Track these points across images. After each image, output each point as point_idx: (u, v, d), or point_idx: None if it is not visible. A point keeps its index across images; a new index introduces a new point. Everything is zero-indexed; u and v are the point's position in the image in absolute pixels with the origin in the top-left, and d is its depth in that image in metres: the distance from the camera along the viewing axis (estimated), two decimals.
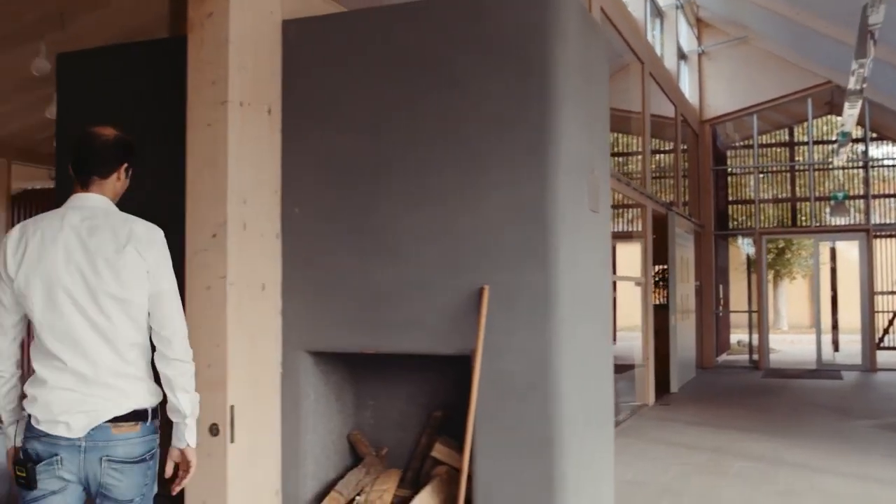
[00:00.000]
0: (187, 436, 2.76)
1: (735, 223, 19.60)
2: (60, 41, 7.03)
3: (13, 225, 11.98)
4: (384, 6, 3.82)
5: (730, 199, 19.23)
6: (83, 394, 2.59)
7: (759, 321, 16.21)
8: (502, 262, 3.48)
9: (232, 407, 3.46)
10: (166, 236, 3.64)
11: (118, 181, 2.86)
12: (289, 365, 3.81)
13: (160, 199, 3.79)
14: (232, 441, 3.45)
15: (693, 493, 6.57)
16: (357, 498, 3.69)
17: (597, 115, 3.98)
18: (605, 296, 4.05)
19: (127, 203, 3.95)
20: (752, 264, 17.81)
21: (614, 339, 16.03)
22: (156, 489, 2.83)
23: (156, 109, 3.95)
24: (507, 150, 3.51)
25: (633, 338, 13.35)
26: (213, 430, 3.44)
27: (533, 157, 3.46)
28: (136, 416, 2.64)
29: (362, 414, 4.20)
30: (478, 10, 3.60)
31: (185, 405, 2.73)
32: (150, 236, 2.75)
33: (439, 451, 3.81)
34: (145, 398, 2.68)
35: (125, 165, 2.88)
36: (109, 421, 2.60)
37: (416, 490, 3.73)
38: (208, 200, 3.53)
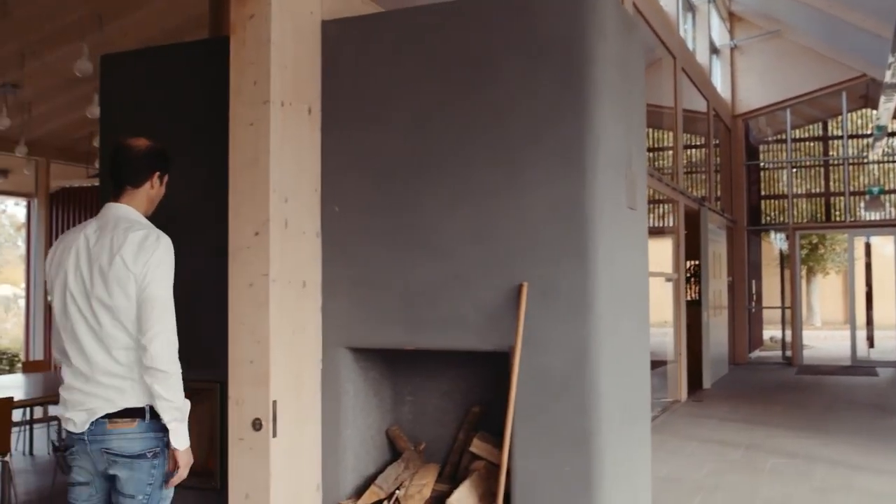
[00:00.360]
0: (173, 439, 2.82)
1: (768, 218, 19.43)
2: (100, 42, 7.16)
3: (53, 222, 12.21)
4: (422, 6, 3.85)
5: (762, 194, 19.07)
6: (84, 392, 2.81)
7: (793, 317, 16.08)
8: (541, 259, 3.51)
9: (274, 402, 3.52)
10: (212, 234, 3.73)
11: (152, 189, 3.03)
12: (329, 361, 3.87)
13: (207, 198, 3.87)
14: (274, 436, 3.52)
15: (728, 489, 6.56)
16: (396, 492, 3.73)
17: (634, 111, 3.99)
18: (642, 292, 4.07)
19: (175, 204, 4.05)
20: (785, 260, 17.67)
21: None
22: (167, 493, 2.92)
23: (198, 109, 4.02)
24: (545, 148, 3.54)
25: (664, 333, 13.29)
26: (257, 424, 3.50)
27: (571, 155, 3.48)
28: (131, 413, 2.80)
29: (401, 409, 4.25)
30: (516, 10, 3.62)
31: (165, 412, 2.79)
32: (145, 244, 2.83)
33: (477, 446, 3.85)
34: (140, 398, 2.80)
35: (158, 173, 3.04)
36: (104, 417, 2.79)
37: (454, 485, 3.77)
38: (250, 199, 3.59)
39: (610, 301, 3.53)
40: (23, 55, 7.86)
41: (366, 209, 3.86)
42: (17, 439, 8.16)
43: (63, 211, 11.85)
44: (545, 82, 3.55)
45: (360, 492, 3.86)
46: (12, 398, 5.81)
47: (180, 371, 2.82)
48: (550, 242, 3.50)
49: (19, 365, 13.13)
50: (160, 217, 4.02)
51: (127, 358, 2.79)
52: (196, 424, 3.95)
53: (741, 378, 14.12)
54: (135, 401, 2.80)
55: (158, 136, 4.06)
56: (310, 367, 3.81)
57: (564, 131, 3.50)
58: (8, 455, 5.92)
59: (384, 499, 3.75)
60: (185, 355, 3.95)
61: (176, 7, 7.42)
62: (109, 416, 2.79)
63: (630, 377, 3.79)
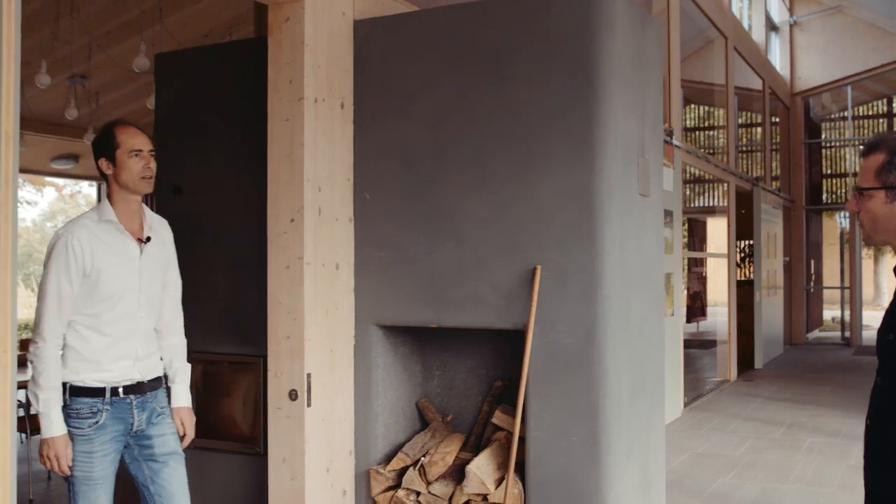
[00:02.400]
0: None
1: (833, 197, 19.14)
2: (161, 34, 7.57)
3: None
4: (445, 7, 4.10)
5: (824, 172, 18.80)
6: None
7: (852, 297, 15.90)
8: (554, 244, 3.75)
9: (309, 374, 3.84)
10: (256, 220, 4.06)
11: (110, 172, 3.15)
12: (360, 337, 4.18)
13: (251, 187, 4.20)
14: (309, 405, 3.84)
15: (763, 466, 6.72)
16: (422, 459, 4.03)
17: (649, 102, 4.18)
18: (656, 274, 4.27)
19: (221, 193, 4.40)
20: (845, 239, 17.43)
21: (704, 315, 16.06)
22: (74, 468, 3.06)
23: (243, 105, 4.34)
24: (559, 139, 3.77)
25: (722, 313, 13.33)
26: (293, 394, 3.83)
27: (582, 145, 3.71)
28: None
29: (430, 383, 4.55)
30: (531, 9, 3.85)
31: None
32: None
33: (499, 417, 4.12)
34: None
35: (101, 159, 3.15)
36: None
37: (477, 453, 4.05)
38: (287, 188, 3.90)
39: (619, 283, 3.75)
40: (90, 48, 8.32)
41: (394, 196, 4.14)
42: None
43: None
44: (557, 77, 3.77)
45: (389, 458, 4.17)
46: None
47: (40, 362, 2.97)
48: (562, 227, 3.74)
49: None
50: (208, 206, 4.39)
51: None
52: (242, 395, 4.32)
53: (795, 358, 14.08)
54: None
55: (206, 130, 4.43)
56: (343, 342, 4.13)
57: (575, 122, 3.72)
58: None
59: (410, 464, 4.05)
60: (231, 332, 4.32)
61: (230, 1, 7.77)
62: None
63: (640, 355, 4.01)
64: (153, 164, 3.18)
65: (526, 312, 3.77)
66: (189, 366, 3.47)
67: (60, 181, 23.85)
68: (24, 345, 8.66)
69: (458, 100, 4.00)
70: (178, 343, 3.43)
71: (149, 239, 3.21)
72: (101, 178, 3.20)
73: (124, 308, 3.12)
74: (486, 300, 3.90)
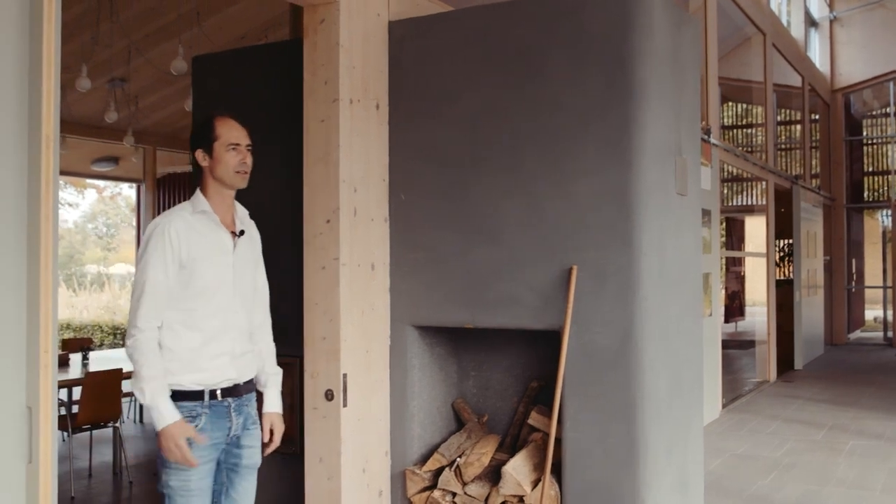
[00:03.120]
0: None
1: (875, 195, 18.79)
2: (198, 37, 7.64)
3: (160, 206, 12.99)
4: (479, 7, 4.09)
5: (866, 170, 18.47)
6: None
7: (894, 296, 15.61)
8: (590, 244, 3.73)
9: (345, 375, 3.86)
10: (292, 222, 4.07)
11: (206, 165, 3.06)
12: (396, 338, 4.18)
13: (287, 189, 4.22)
14: (345, 405, 3.85)
15: (803, 468, 6.62)
16: (458, 459, 4.03)
17: (686, 101, 4.14)
18: (694, 274, 4.23)
19: (258, 195, 4.42)
20: (888, 237, 17.13)
21: (742, 315, 15.87)
22: (165, 478, 2.90)
23: (279, 106, 4.36)
24: (594, 138, 3.74)
25: (761, 313, 13.16)
26: (329, 395, 3.84)
27: (618, 145, 3.68)
28: None
29: (465, 383, 4.54)
30: (566, 9, 3.82)
31: None
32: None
33: (535, 419, 4.10)
34: None
35: (199, 150, 3.06)
36: None
37: (513, 454, 4.04)
38: (322, 189, 3.92)
39: (656, 283, 3.72)
40: (129, 52, 8.44)
41: (430, 196, 4.14)
42: (127, 409, 8.86)
43: (169, 194, 12.60)
44: (593, 77, 3.75)
45: (425, 459, 4.17)
46: (121, 369, 6.36)
47: (140, 353, 2.82)
48: (598, 228, 3.71)
49: None
50: (247, 208, 4.41)
51: None
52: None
53: (836, 359, 13.86)
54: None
55: None
56: (379, 343, 4.14)
57: (611, 123, 3.69)
58: (119, 421, 6.49)
59: (446, 465, 4.05)
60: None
61: (266, 4, 7.84)
62: None
63: (678, 356, 3.97)
64: (250, 159, 3.09)
65: (562, 313, 3.75)
66: (280, 371, 3.30)
67: (101, 183, 24.25)
68: (65, 344, 8.82)
69: (494, 100, 3.99)
70: (268, 347, 3.28)
71: (242, 232, 3.12)
72: (195, 169, 3.09)
73: (219, 302, 2.99)
74: (521, 301, 3.89)
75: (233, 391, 3.01)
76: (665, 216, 3.84)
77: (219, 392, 2.96)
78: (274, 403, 3.25)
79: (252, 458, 3.10)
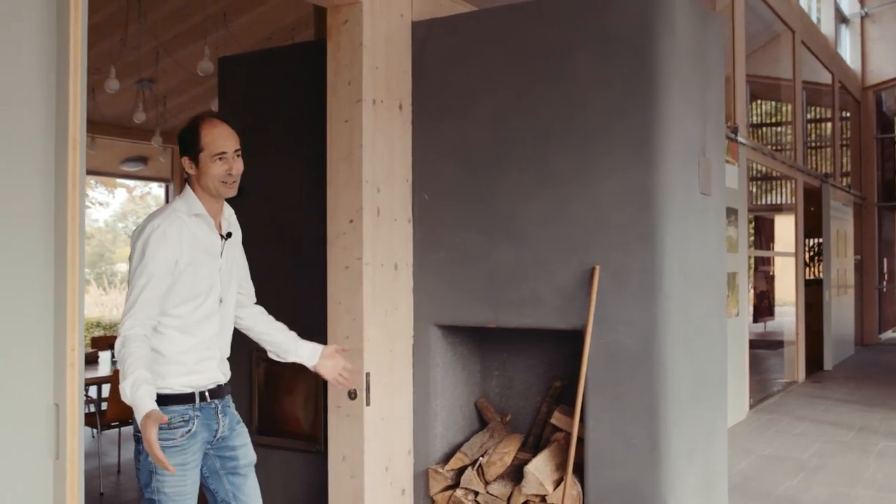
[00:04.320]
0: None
1: None
2: (225, 38, 7.71)
3: None
4: (502, 7, 4.10)
5: None
6: None
7: None
8: (613, 243, 3.72)
9: (368, 374, 3.88)
10: (316, 221, 4.09)
11: (193, 172, 2.94)
12: (419, 337, 4.20)
13: (310, 189, 4.25)
14: (368, 404, 3.87)
15: (831, 470, 6.55)
16: (480, 459, 4.04)
17: (711, 100, 4.11)
18: (718, 274, 4.20)
19: (283, 192, 4.46)
20: None
21: (772, 315, 15.71)
22: (156, 484, 2.82)
23: (303, 106, 4.39)
24: (617, 138, 3.73)
25: (790, 313, 13.04)
26: (352, 394, 3.86)
27: (641, 145, 3.67)
28: None
29: (488, 383, 4.55)
30: (589, 8, 3.82)
31: None
32: (137, 233, 2.88)
33: (558, 418, 4.10)
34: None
35: (185, 158, 2.94)
36: None
37: (536, 454, 4.04)
38: (346, 189, 3.94)
39: (679, 283, 3.70)
40: (157, 53, 8.53)
41: (453, 196, 4.15)
42: None
43: None
44: (616, 76, 3.74)
45: (448, 458, 4.18)
46: None
47: (124, 349, 2.69)
48: (621, 227, 3.70)
49: None
50: (270, 208, 4.46)
51: None
52: (303, 394, 4.38)
53: (867, 359, 13.70)
54: None
55: (268, 132, 4.49)
56: (402, 342, 4.15)
57: (634, 122, 3.68)
58: None
59: (469, 464, 4.06)
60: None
61: (292, 3, 7.89)
62: None
63: (702, 356, 3.95)
64: (238, 167, 2.94)
65: (584, 313, 3.75)
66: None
67: (131, 183, 24.48)
68: (94, 342, 8.92)
69: (517, 100, 3.99)
70: (276, 324, 3.31)
71: (230, 235, 3.06)
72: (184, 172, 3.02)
73: (210, 306, 2.96)
74: (545, 300, 3.88)
75: (217, 392, 2.98)
76: (688, 216, 3.82)
77: (207, 393, 2.94)
78: (314, 345, 3.31)
79: (248, 455, 3.09)
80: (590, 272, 3.76)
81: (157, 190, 24.53)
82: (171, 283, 2.85)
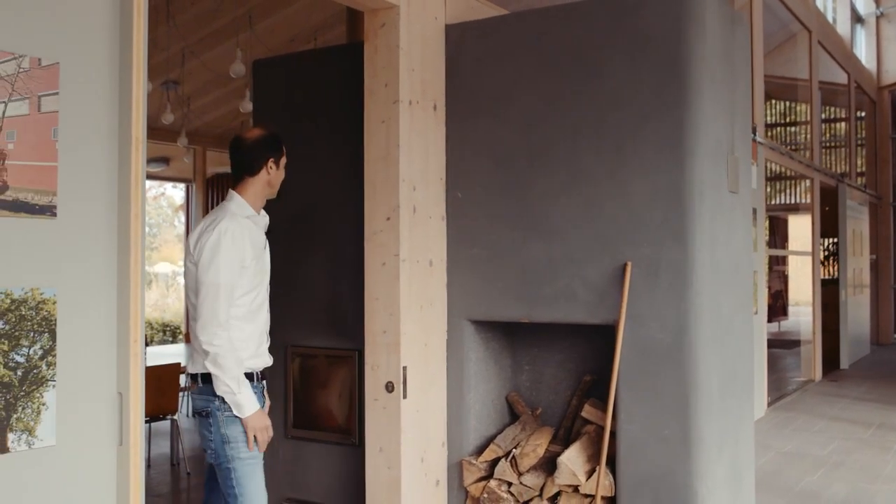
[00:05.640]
0: (233, 409, 3.18)
1: None
2: (251, 40, 7.83)
3: (209, 204, 13.23)
4: (535, 10, 4.20)
5: None
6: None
7: None
8: (644, 240, 3.82)
9: (405, 368, 3.99)
10: (351, 220, 4.22)
11: (268, 174, 3.40)
12: (453, 332, 4.31)
13: (346, 188, 4.37)
14: (405, 397, 3.98)
15: (851, 466, 6.63)
16: (513, 451, 4.14)
17: (738, 100, 4.21)
18: (745, 271, 4.29)
19: (317, 194, 4.56)
20: None
21: (785, 314, 15.74)
22: (245, 454, 3.21)
23: (338, 107, 4.50)
24: (649, 137, 3.83)
25: (804, 313, 13.09)
26: (389, 387, 3.97)
27: (673, 145, 3.76)
28: (194, 377, 3.28)
29: (519, 377, 4.65)
30: (621, 11, 3.91)
31: (215, 386, 3.17)
32: (206, 230, 3.21)
33: (588, 411, 4.20)
34: (198, 366, 3.23)
35: (272, 160, 3.40)
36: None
37: (566, 446, 4.14)
38: (383, 188, 4.05)
39: (709, 279, 3.80)
40: (183, 55, 8.66)
41: (486, 195, 4.25)
42: (182, 402, 9.08)
43: (217, 194, 12.85)
44: (647, 78, 3.83)
45: (481, 450, 4.29)
46: (180, 363, 6.56)
47: (226, 350, 3.12)
48: (653, 225, 3.80)
49: (181, 336, 14.33)
50: (301, 208, 4.57)
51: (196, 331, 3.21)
52: (338, 388, 4.49)
53: (883, 359, 13.74)
54: (198, 367, 3.23)
55: (304, 134, 4.60)
56: (436, 337, 4.26)
57: (665, 122, 3.78)
58: (176, 414, 6.70)
59: (502, 456, 4.16)
60: (328, 327, 4.49)
61: (317, 5, 8.01)
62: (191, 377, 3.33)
63: (730, 352, 4.04)
64: None
65: (616, 308, 3.85)
66: None
67: (147, 184, 24.64)
68: None
69: (550, 101, 4.09)
70: None
71: (269, 232, 3.48)
72: (242, 171, 3.38)
73: (263, 296, 3.38)
74: (577, 296, 3.98)
75: (264, 374, 3.41)
76: (718, 213, 3.92)
77: (260, 374, 3.36)
78: None
79: None
80: (622, 268, 3.86)
81: (172, 191, 24.69)
82: (238, 279, 3.19)
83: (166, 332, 14.77)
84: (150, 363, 6.82)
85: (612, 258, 3.89)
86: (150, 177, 13.44)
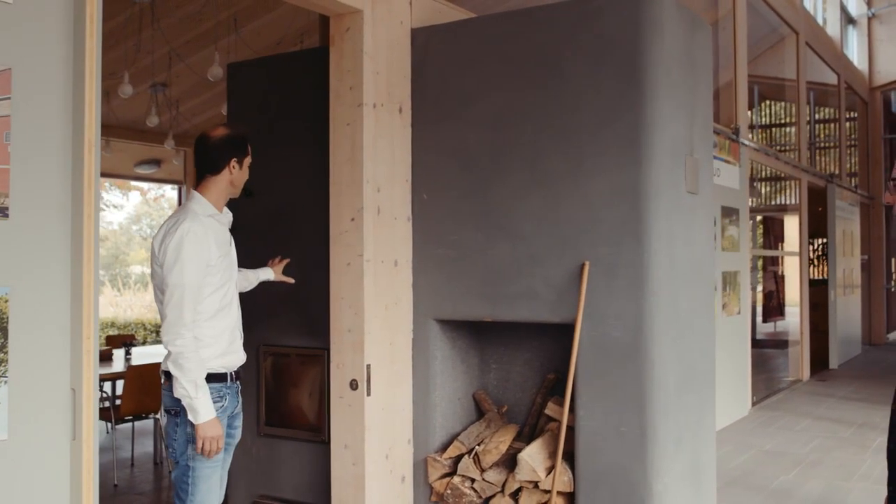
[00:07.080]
0: (188, 414, 3.13)
1: None
2: (233, 44, 7.90)
3: None
4: (498, 14, 4.27)
5: None
6: None
7: None
8: (602, 240, 3.88)
9: (368, 366, 4.05)
10: (321, 220, 4.27)
11: (231, 174, 3.36)
12: (419, 331, 4.37)
13: (314, 189, 4.43)
14: (368, 395, 4.05)
15: (828, 464, 6.68)
16: (476, 447, 4.21)
17: (699, 103, 4.27)
18: (706, 272, 4.35)
19: (288, 193, 4.63)
20: None
21: (782, 314, 15.78)
22: (203, 458, 3.17)
23: (309, 110, 4.57)
24: (607, 139, 3.90)
25: (797, 314, 13.12)
26: (353, 384, 4.04)
27: (631, 146, 3.83)
28: (166, 375, 3.21)
29: (487, 376, 4.72)
30: (582, 15, 3.98)
31: (175, 388, 3.13)
32: (169, 231, 3.19)
33: (551, 409, 4.26)
34: (167, 364, 3.18)
35: (234, 159, 3.35)
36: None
37: (530, 443, 4.20)
38: (348, 190, 4.12)
39: (667, 278, 3.86)
40: (170, 58, 8.73)
41: (451, 195, 4.32)
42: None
43: None
44: (607, 80, 3.90)
45: (446, 447, 4.35)
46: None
47: (189, 352, 3.09)
48: (611, 224, 3.87)
49: None
50: (274, 208, 4.64)
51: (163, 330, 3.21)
52: (308, 386, 4.56)
53: (874, 359, 13.77)
54: (168, 365, 3.18)
55: (275, 136, 4.68)
56: (402, 336, 4.33)
57: (624, 124, 3.85)
58: (159, 413, 6.76)
59: (466, 452, 4.23)
60: (298, 327, 4.56)
61: (301, 11, 8.07)
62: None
63: (689, 349, 4.10)
64: None
65: (576, 307, 3.91)
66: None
67: (145, 185, 24.78)
68: (109, 340, 9.13)
69: (513, 103, 4.16)
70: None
71: (243, 230, 3.54)
72: (205, 171, 3.36)
73: (232, 293, 3.36)
74: (539, 295, 4.05)
75: (238, 374, 3.39)
76: (676, 214, 3.98)
77: (234, 374, 3.35)
78: (264, 268, 3.92)
79: (239, 435, 3.47)
80: (581, 268, 3.92)
81: (171, 192, 24.82)
82: (204, 278, 3.20)
83: (159, 333, 14.84)
84: (138, 362, 6.90)
85: (572, 258, 3.96)
86: (142, 179, 13.54)
